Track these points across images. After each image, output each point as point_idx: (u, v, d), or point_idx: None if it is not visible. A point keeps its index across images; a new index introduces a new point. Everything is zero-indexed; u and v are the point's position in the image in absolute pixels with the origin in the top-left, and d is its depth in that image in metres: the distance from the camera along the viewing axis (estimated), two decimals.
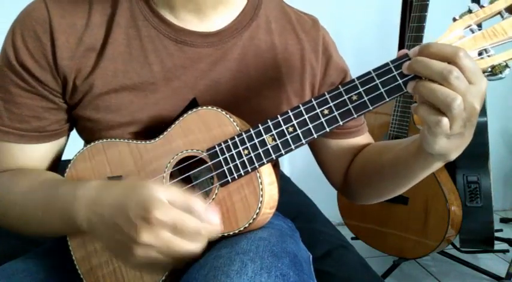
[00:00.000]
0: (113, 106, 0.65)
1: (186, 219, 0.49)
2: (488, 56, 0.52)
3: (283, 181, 0.77)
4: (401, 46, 1.71)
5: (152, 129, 0.65)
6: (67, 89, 0.65)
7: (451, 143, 0.52)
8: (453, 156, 0.54)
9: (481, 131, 1.61)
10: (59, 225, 0.62)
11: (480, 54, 0.53)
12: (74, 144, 0.71)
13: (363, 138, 0.78)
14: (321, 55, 0.73)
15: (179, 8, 0.66)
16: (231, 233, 0.59)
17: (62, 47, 0.62)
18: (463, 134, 0.51)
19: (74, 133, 0.72)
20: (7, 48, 0.63)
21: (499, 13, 0.53)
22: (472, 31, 0.53)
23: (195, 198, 0.50)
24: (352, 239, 1.69)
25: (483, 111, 1.62)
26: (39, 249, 0.74)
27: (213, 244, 0.59)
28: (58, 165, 0.72)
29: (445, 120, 0.49)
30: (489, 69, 0.52)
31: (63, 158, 0.73)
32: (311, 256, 0.75)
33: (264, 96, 0.69)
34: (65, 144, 0.73)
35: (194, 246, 0.50)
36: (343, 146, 0.76)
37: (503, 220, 2.15)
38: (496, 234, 1.73)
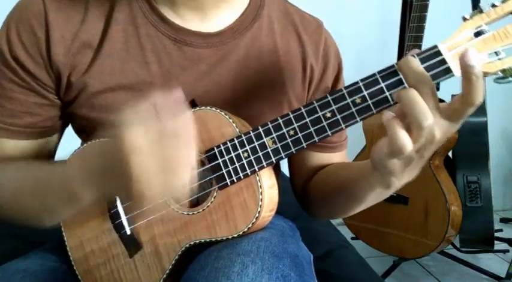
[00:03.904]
0: (109, 105, 0.63)
1: (154, 124, 0.44)
2: (499, 58, 0.49)
3: (284, 181, 0.77)
4: (401, 46, 1.71)
5: None
6: (61, 86, 0.64)
7: (399, 166, 0.49)
8: (394, 183, 0.52)
9: (481, 131, 1.60)
10: (57, 199, 0.58)
11: (490, 56, 0.50)
12: (72, 143, 0.69)
13: (338, 155, 0.75)
14: (321, 59, 0.72)
15: (180, 5, 0.64)
16: (230, 237, 0.58)
17: (57, 42, 0.61)
18: (410, 162, 0.49)
19: (71, 132, 0.72)
20: (1, 42, 0.62)
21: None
22: (482, 32, 0.50)
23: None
24: (352, 239, 1.68)
25: (483, 111, 1.61)
26: (39, 250, 0.74)
27: (213, 245, 0.59)
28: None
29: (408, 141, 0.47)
30: (499, 73, 0.49)
31: (60, 157, 0.71)
32: (312, 256, 0.74)
33: (265, 99, 0.68)
34: (58, 141, 0.71)
35: (180, 144, 0.44)
36: (314, 158, 0.74)
37: (503, 220, 2.15)
38: (496, 234, 1.72)
